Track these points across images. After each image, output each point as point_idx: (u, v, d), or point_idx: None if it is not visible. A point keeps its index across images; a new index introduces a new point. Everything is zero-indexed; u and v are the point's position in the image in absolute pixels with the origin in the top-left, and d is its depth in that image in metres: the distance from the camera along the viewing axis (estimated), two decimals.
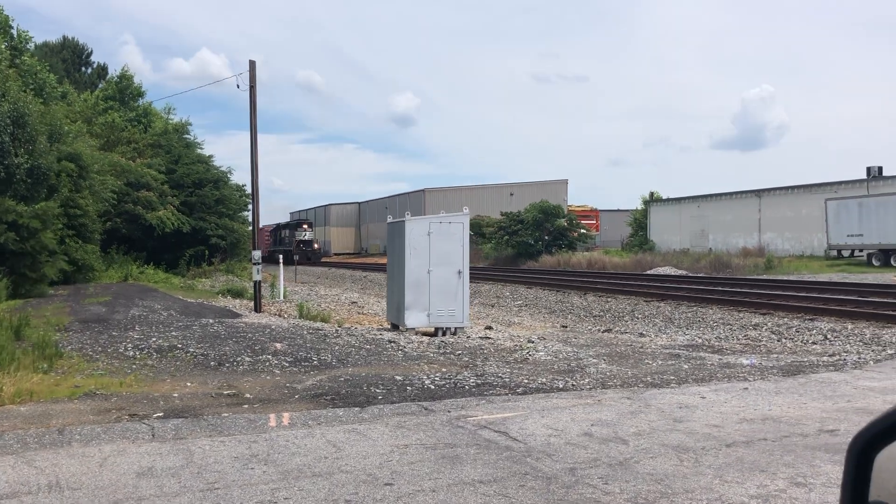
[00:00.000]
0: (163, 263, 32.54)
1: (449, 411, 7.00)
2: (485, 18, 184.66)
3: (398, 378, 9.04)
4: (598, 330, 17.26)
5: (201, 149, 40.58)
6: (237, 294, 24.20)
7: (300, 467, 5.22)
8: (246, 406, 7.62)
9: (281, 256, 28.88)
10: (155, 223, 32.53)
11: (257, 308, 18.89)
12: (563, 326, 18.42)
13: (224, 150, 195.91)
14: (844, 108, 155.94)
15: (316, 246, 71.47)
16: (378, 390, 8.30)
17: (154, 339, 11.91)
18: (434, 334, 14.10)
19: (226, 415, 7.06)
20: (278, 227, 78.29)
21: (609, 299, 23.65)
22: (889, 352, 11.57)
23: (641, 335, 15.74)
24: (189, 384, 8.84)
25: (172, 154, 37.62)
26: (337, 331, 13.88)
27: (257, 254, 19.77)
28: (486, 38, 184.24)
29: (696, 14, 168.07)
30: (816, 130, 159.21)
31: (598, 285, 28.34)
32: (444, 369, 9.86)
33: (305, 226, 71.96)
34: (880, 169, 46.99)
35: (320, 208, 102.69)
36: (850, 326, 14.74)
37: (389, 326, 15.55)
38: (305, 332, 13.29)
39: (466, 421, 6.55)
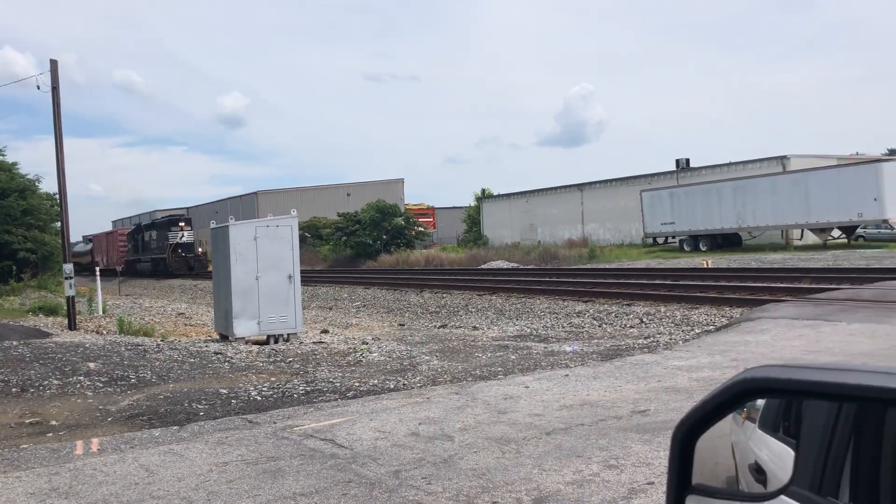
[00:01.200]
0: None
1: (275, 423, 6.76)
2: (314, 17, 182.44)
3: (223, 391, 8.65)
4: (434, 326, 17.48)
5: (3, 156, 37.11)
6: (50, 311, 22.41)
7: (106, 498, 4.82)
8: (50, 434, 6.99)
9: (98, 269, 26.73)
10: None
11: (72, 325, 17.55)
12: (401, 325, 18.51)
13: (34, 156, 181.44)
14: (657, 105, 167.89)
15: (200, 251, 54.09)
16: (200, 406, 7.89)
17: None
18: (266, 342, 13.67)
19: (25, 446, 6.43)
20: (139, 229, 60.39)
21: (445, 295, 24.01)
22: (696, 331, 12.48)
23: (475, 328, 16.09)
24: None
25: None
26: (159, 345, 13.12)
27: (69, 267, 18.37)
28: (316, 37, 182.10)
29: (522, 15, 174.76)
30: (632, 126, 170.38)
31: (434, 282, 28.72)
32: (273, 378, 9.55)
33: (182, 224, 53.37)
34: (688, 161, 50.88)
35: (145, 215, 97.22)
36: (663, 309, 15.78)
37: (218, 337, 14.92)
38: (123, 349, 12.45)
39: (292, 431, 6.35)
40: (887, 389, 1.09)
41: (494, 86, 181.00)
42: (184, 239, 52.13)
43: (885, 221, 36.10)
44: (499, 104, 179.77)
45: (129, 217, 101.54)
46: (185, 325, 20.49)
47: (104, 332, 17.50)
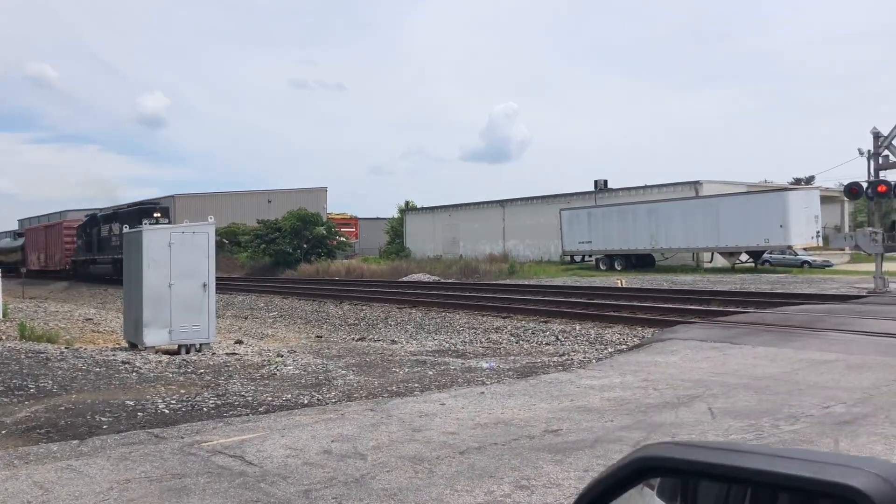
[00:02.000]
0: None
1: (182, 437, 6.54)
2: (240, 20, 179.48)
3: (129, 403, 8.34)
4: (353, 339, 17.33)
5: None
6: None
7: None
8: None
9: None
10: None
11: None
12: (318, 337, 18.27)
13: None
14: (577, 127, 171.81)
15: None
16: (104, 419, 7.58)
17: None
18: (177, 352, 13.27)
19: None
20: (94, 221, 46.72)
21: (364, 307, 23.85)
22: (609, 350, 12.76)
23: (393, 342, 16.03)
24: None
25: None
26: (62, 353, 12.56)
27: None
28: (241, 41, 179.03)
29: (449, 31, 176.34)
30: (554, 146, 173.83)
31: (354, 293, 28.53)
32: (182, 391, 9.27)
33: (157, 214, 41.03)
34: (605, 182, 52.22)
35: (55, 214, 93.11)
36: (578, 327, 16.09)
37: (127, 345, 14.40)
38: (23, 356, 11.87)
39: (200, 447, 6.16)
40: (779, 475, 1.12)
41: (421, 99, 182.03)
42: None
43: (790, 248, 37.87)
44: (425, 117, 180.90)
45: (39, 216, 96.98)
46: (93, 331, 19.71)
47: (3, 337, 16.65)
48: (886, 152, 21.01)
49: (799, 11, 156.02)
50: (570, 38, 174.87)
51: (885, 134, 21.10)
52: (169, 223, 40.29)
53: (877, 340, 11.08)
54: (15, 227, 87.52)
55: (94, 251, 46.18)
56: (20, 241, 59.72)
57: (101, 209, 51.15)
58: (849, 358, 9.58)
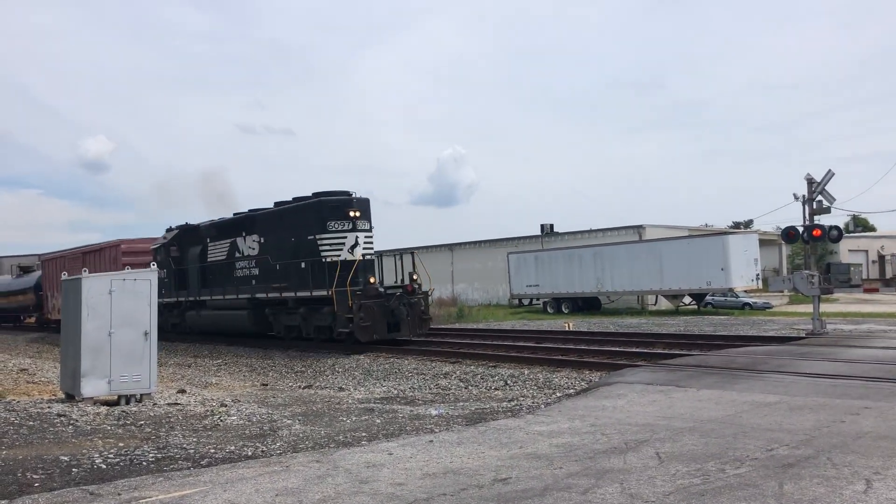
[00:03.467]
0: None
1: (119, 494, 6.30)
2: (186, 65, 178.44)
3: (64, 459, 8.01)
4: (299, 386, 17.03)
5: None
6: None
7: None
8: None
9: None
10: None
11: None
12: (264, 385, 17.91)
13: None
14: (524, 170, 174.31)
15: (416, 278, 23.61)
16: (36, 476, 7.26)
17: None
18: (116, 403, 12.85)
19: None
20: (195, 234, 29.53)
21: (311, 354, 23.50)
22: (558, 395, 12.79)
23: (341, 389, 15.81)
24: None
25: None
26: None
27: None
28: (187, 85, 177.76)
29: (396, 79, 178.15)
30: (501, 190, 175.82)
31: (301, 340, 28.07)
32: (121, 444, 8.95)
33: (355, 212, 22.71)
34: (552, 226, 52.94)
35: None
36: (526, 372, 16.10)
37: (64, 397, 13.89)
38: None
39: None
40: None
41: (369, 144, 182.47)
42: (363, 248, 23.00)
43: (731, 290, 38.74)
44: (373, 162, 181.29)
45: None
46: (28, 382, 18.98)
47: None
48: (820, 197, 21.82)
49: (729, 61, 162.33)
50: (515, 86, 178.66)
51: (818, 180, 21.92)
52: (370, 229, 23.90)
53: (817, 382, 11.34)
54: None
55: (193, 285, 29.01)
56: (30, 278, 43.17)
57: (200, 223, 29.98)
58: (791, 400, 9.77)
